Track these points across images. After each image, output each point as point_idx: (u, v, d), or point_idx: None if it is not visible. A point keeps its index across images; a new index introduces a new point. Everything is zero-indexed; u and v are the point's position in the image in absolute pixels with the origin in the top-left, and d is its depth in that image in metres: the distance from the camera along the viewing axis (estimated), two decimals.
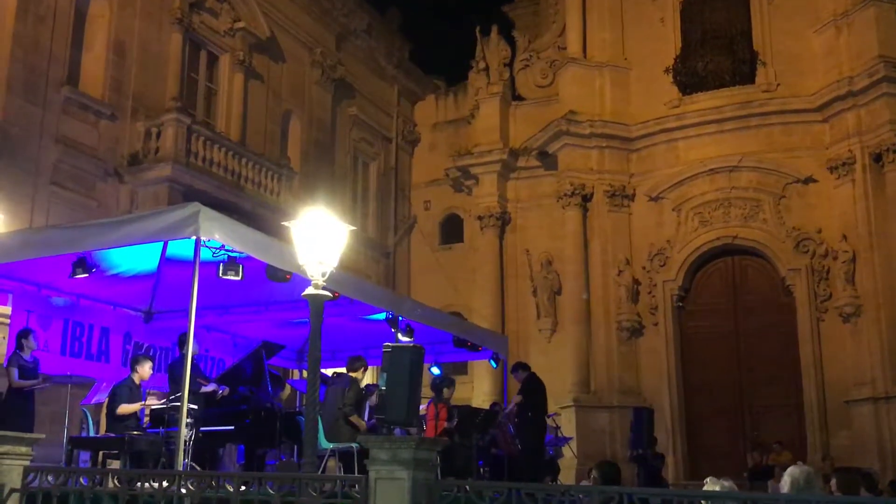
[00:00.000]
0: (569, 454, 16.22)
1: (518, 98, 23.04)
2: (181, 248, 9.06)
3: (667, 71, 20.84)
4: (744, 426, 19.30)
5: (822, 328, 18.79)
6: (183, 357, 8.52)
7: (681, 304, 20.25)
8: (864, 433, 17.55)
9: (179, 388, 8.04)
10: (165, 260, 9.95)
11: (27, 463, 6.90)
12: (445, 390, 11.89)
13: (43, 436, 7.40)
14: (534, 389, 13.01)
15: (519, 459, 12.57)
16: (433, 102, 25.95)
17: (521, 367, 13.48)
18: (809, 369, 18.67)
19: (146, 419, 10.11)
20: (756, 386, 19.39)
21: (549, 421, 14.30)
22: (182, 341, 9.62)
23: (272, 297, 10.82)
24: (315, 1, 21.71)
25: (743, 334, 19.77)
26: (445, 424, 11.44)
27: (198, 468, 9.14)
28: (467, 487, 6.13)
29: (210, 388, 10.06)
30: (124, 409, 9.64)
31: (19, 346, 10.00)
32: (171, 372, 10.05)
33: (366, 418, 10.56)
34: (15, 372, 9.86)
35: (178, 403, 7.98)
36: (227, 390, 10.25)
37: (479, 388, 21.01)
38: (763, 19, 20.29)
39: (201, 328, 10.69)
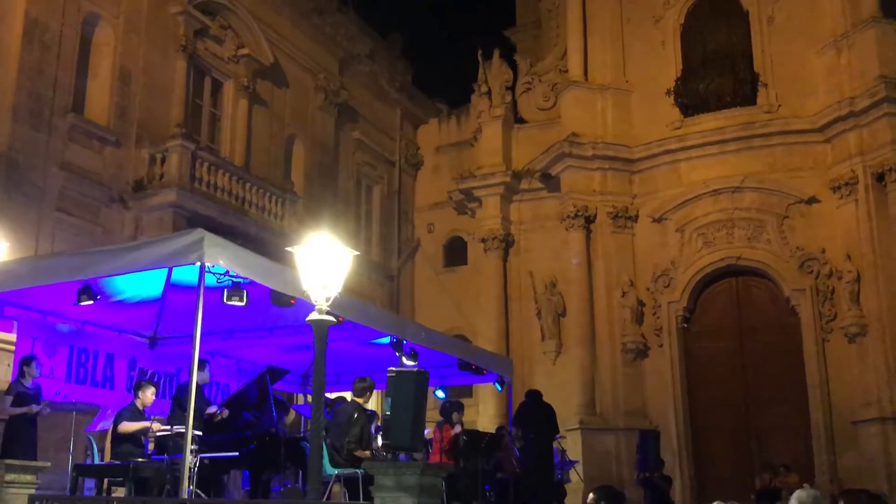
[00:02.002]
0: (575, 477, 16.12)
1: (520, 121, 23.12)
2: (185, 273, 9.06)
3: (668, 93, 20.93)
4: (750, 448, 19.17)
5: (827, 348, 18.71)
6: (188, 384, 8.49)
7: (685, 325, 20.20)
8: (871, 454, 17.42)
9: (183, 413, 8.02)
10: (170, 286, 9.97)
11: (32, 491, 6.91)
12: (455, 415, 11.83)
13: (48, 464, 7.41)
14: (525, 417, 13.00)
15: (524, 483, 12.51)
16: (436, 125, 26.08)
17: (526, 394, 13.45)
18: (815, 390, 18.57)
19: (151, 446, 10.09)
20: (762, 407, 19.29)
21: (554, 444, 14.25)
22: (199, 367, 9.66)
23: (276, 322, 10.81)
24: (318, 27, 21.88)
25: (748, 355, 19.69)
26: (452, 432, 11.39)
27: (202, 495, 9.10)
28: None
29: (211, 409, 10.04)
30: (125, 427, 9.63)
31: (21, 374, 10.02)
32: (176, 397, 10.03)
33: (375, 436, 10.53)
34: (9, 400, 9.89)
35: (182, 429, 7.96)
36: (226, 412, 10.23)
37: (484, 411, 20.94)
38: (763, 41, 20.39)
39: (205, 353, 10.68)
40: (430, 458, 11.28)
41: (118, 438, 9.68)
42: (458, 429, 11.64)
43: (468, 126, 24.53)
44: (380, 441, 10.33)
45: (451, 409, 11.94)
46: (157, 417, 9.88)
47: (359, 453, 9.75)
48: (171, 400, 11.20)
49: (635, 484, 16.93)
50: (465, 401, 20.22)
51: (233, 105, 19.18)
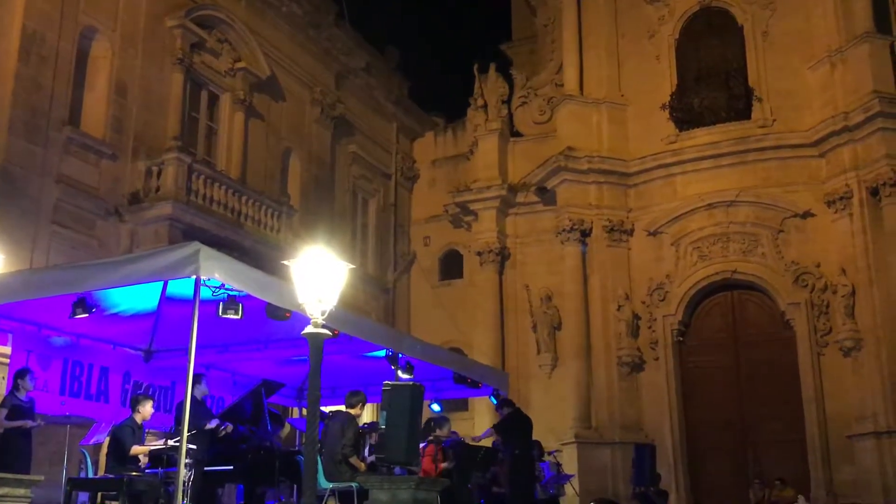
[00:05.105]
0: (571, 492, 16.10)
1: (516, 134, 23.19)
2: (181, 287, 9.04)
3: (663, 107, 21.02)
4: (746, 462, 19.17)
5: (822, 362, 18.75)
6: (191, 397, 8.44)
7: (681, 339, 20.22)
8: (866, 468, 17.44)
9: (189, 427, 7.96)
10: (165, 299, 9.95)
11: None
12: (438, 430, 11.76)
13: (42, 477, 7.36)
14: (511, 427, 12.91)
15: (516, 498, 12.45)
16: (432, 139, 26.13)
17: (506, 404, 13.38)
18: (811, 404, 18.59)
19: (145, 459, 10.06)
20: (758, 421, 19.29)
21: (550, 458, 14.23)
22: (197, 381, 9.64)
23: (272, 336, 10.78)
24: (315, 41, 21.95)
25: (744, 369, 19.73)
26: (444, 465, 11.30)
27: None
28: None
29: (213, 424, 10.01)
30: (137, 450, 9.59)
31: (15, 387, 9.99)
32: (178, 412, 9.99)
33: (365, 455, 10.48)
34: (3, 413, 9.86)
35: (178, 444, 7.94)
36: (229, 426, 10.19)
37: (479, 424, 20.86)
38: (758, 56, 20.52)
39: (200, 366, 10.66)
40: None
41: (122, 456, 9.59)
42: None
43: (464, 140, 24.60)
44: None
45: (432, 427, 11.76)
46: (151, 431, 9.83)
47: (353, 461, 9.70)
48: (165, 413, 11.17)
49: (631, 499, 16.90)
50: (460, 414, 20.33)
51: (229, 118, 19.20)
